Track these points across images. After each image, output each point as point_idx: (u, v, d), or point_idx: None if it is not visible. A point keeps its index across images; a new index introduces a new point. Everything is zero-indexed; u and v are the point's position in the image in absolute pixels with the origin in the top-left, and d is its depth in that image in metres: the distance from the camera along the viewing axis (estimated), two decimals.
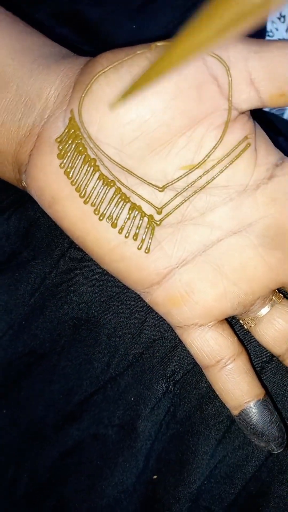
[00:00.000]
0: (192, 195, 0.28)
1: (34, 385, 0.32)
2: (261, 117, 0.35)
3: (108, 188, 0.27)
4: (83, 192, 0.27)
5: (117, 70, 0.26)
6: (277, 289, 0.30)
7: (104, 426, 0.32)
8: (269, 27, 0.46)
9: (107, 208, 0.27)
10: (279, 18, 0.45)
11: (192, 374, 0.32)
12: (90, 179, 0.27)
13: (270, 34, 0.47)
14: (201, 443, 0.32)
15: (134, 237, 0.28)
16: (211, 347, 0.29)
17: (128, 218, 0.28)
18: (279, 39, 0.49)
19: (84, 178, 0.27)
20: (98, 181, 0.27)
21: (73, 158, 0.27)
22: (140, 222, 0.28)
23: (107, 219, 0.27)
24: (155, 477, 0.32)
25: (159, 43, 0.26)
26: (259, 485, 0.31)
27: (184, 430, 0.32)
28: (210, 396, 0.32)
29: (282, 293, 0.31)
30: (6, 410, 0.33)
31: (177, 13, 0.36)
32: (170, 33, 0.36)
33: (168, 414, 0.32)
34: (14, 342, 0.32)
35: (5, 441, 0.32)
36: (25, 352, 0.32)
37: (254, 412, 0.29)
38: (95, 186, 0.27)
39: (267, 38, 0.47)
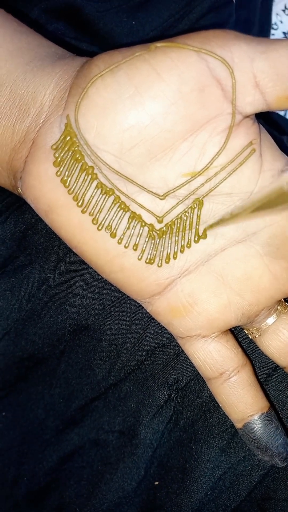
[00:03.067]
0: (195, 203, 0.27)
1: (33, 388, 0.32)
2: (265, 116, 0.34)
3: (106, 197, 0.26)
4: (81, 201, 0.26)
5: (115, 73, 0.25)
6: (284, 299, 0.29)
7: (104, 432, 0.32)
8: (273, 19, 0.44)
9: (105, 217, 0.26)
10: (283, 11, 0.44)
11: (195, 382, 0.32)
12: (88, 187, 0.26)
13: (275, 26, 0.46)
14: (204, 451, 0.31)
15: (134, 247, 0.27)
16: (214, 359, 0.28)
17: (128, 228, 0.27)
18: (284, 32, 0.48)
19: (81, 186, 0.26)
20: (96, 189, 0.26)
21: (70, 166, 0.26)
22: (140, 231, 0.27)
23: (106, 229, 0.26)
24: (156, 483, 0.32)
25: (158, 44, 0.25)
26: (264, 490, 0.31)
27: (187, 438, 0.32)
28: (213, 404, 0.31)
29: None
30: (6, 412, 0.32)
31: (177, 8, 0.35)
32: (170, 28, 0.35)
33: (170, 422, 0.32)
34: (11, 347, 0.32)
35: (4, 443, 0.32)
36: (24, 356, 0.32)
37: (258, 426, 0.28)
38: (93, 195, 0.26)
39: (272, 31, 0.46)
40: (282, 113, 0.47)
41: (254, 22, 0.45)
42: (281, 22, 0.46)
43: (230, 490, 0.31)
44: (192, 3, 0.35)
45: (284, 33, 0.48)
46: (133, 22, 0.34)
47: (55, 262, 0.32)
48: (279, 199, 0.19)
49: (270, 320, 0.29)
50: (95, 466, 0.32)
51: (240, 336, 0.31)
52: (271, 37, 0.50)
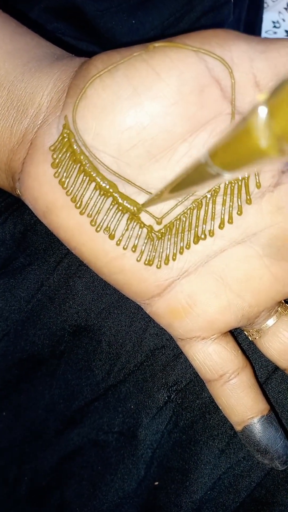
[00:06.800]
0: (194, 204, 0.27)
1: (34, 388, 0.32)
2: None
3: (105, 198, 0.26)
4: (79, 202, 0.26)
5: (113, 74, 0.25)
6: (284, 300, 0.29)
7: (104, 433, 0.32)
8: (275, 18, 0.44)
9: (104, 219, 0.26)
10: (286, 9, 0.44)
11: (194, 383, 0.31)
12: (86, 188, 0.26)
13: (277, 25, 0.46)
14: (204, 452, 0.31)
15: (133, 249, 0.27)
16: (214, 361, 0.28)
17: (127, 229, 0.26)
18: (286, 30, 0.47)
19: (79, 187, 0.26)
20: (94, 191, 0.26)
21: (68, 167, 0.26)
22: (139, 233, 0.27)
23: (105, 231, 0.26)
24: (156, 483, 0.32)
25: (157, 44, 0.25)
26: (263, 493, 0.31)
27: (187, 439, 0.31)
28: (213, 406, 0.31)
29: None
30: (6, 412, 0.32)
31: (177, 7, 0.35)
32: (170, 27, 0.34)
33: (170, 423, 0.31)
34: (11, 348, 0.32)
35: (6, 443, 0.32)
36: (23, 357, 0.32)
37: (258, 429, 0.28)
38: (91, 196, 0.26)
39: (274, 29, 0.45)
40: None
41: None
42: (284, 20, 0.46)
43: (230, 490, 0.31)
44: (193, 2, 0.35)
45: (286, 31, 0.48)
46: (133, 21, 0.34)
47: (54, 263, 0.32)
48: (198, 174, 0.18)
49: (270, 321, 0.28)
50: (95, 467, 0.32)
51: (239, 337, 0.31)
52: (274, 36, 0.49)
